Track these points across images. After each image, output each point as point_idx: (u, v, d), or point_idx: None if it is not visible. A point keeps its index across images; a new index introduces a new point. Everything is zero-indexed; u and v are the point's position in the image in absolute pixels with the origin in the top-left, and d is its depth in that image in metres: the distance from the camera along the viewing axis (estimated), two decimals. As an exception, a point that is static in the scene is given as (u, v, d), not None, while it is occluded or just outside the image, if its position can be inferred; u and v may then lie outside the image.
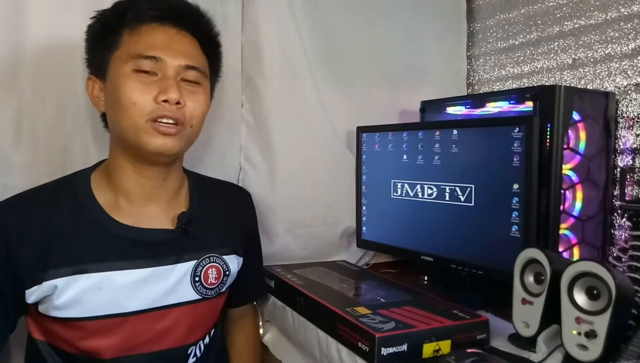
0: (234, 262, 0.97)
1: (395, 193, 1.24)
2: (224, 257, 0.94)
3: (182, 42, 0.85)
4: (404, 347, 0.78)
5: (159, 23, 0.84)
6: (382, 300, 0.96)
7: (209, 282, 0.91)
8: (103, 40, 0.84)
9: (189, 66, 0.84)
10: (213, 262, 0.92)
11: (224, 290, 0.96)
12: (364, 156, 1.32)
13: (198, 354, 0.92)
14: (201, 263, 0.91)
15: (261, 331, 1.19)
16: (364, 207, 1.34)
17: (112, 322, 0.83)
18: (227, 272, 0.95)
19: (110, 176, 0.88)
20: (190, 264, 0.90)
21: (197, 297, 0.90)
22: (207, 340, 0.95)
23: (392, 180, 1.24)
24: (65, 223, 0.82)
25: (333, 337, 0.88)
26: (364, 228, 1.34)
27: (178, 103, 0.81)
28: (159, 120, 0.80)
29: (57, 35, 1.02)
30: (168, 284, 0.87)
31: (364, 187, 1.33)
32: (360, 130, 1.32)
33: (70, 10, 1.02)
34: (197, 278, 0.90)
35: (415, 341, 0.79)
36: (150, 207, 0.88)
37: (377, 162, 1.29)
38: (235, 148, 1.27)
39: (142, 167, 0.86)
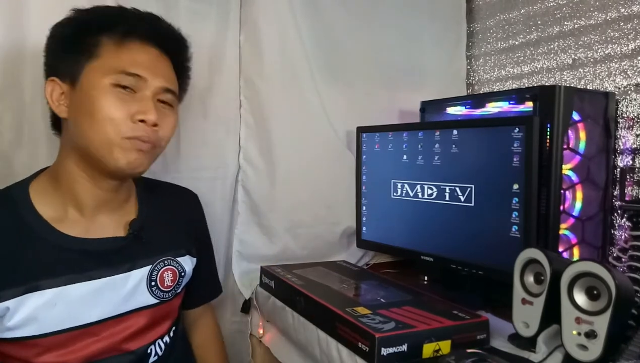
0: (188, 263, 0.96)
1: (395, 194, 1.24)
2: (178, 258, 0.94)
3: (162, 64, 0.86)
4: (404, 347, 0.78)
5: (144, 42, 0.84)
6: (382, 300, 0.96)
7: (165, 285, 0.91)
8: (78, 44, 0.81)
9: (167, 89, 0.85)
10: (168, 264, 0.92)
11: (180, 290, 0.96)
12: (364, 156, 1.32)
13: (159, 352, 0.92)
14: (156, 268, 0.90)
15: (261, 331, 1.20)
16: (364, 207, 1.34)
17: (69, 335, 0.81)
18: (182, 274, 0.94)
19: (58, 185, 0.84)
20: (145, 270, 0.89)
21: (155, 300, 0.90)
22: (167, 338, 0.94)
23: (392, 180, 1.24)
24: (7, 241, 0.79)
25: (333, 337, 0.88)
26: (364, 228, 1.34)
27: (155, 125, 0.81)
28: (134, 139, 0.80)
29: None
30: (124, 292, 0.86)
31: (364, 187, 1.33)
32: (361, 130, 1.32)
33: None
34: (153, 283, 0.89)
35: (415, 341, 0.79)
36: (100, 217, 0.87)
37: (377, 162, 1.29)
38: (234, 148, 1.26)
39: (98, 178, 0.84)
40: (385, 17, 1.42)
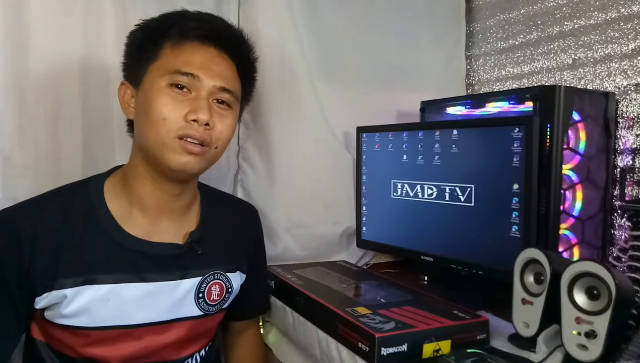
0: (237, 280, 0.97)
1: (395, 194, 1.24)
2: (228, 274, 0.95)
3: (220, 64, 0.86)
4: (404, 347, 0.78)
5: (201, 42, 0.84)
6: (382, 300, 0.96)
7: (211, 298, 0.92)
8: (143, 49, 0.84)
9: (223, 88, 0.85)
10: (217, 279, 0.93)
11: (225, 306, 0.96)
12: (364, 156, 1.32)
13: None
14: (206, 280, 0.91)
15: (261, 331, 1.19)
16: (364, 207, 1.34)
17: (116, 333, 0.83)
18: (229, 290, 0.95)
19: (126, 184, 0.87)
20: (196, 280, 0.90)
21: (200, 313, 0.91)
22: (203, 352, 0.96)
23: (392, 180, 1.24)
24: (77, 231, 0.82)
25: (333, 337, 0.88)
26: (364, 228, 1.34)
27: (207, 124, 0.81)
28: (186, 138, 0.80)
29: (56, 45, 1.03)
30: (173, 299, 0.87)
31: (364, 187, 1.33)
32: (360, 130, 1.32)
33: (69, 24, 1.04)
34: (200, 295, 0.90)
35: (415, 341, 0.79)
36: (162, 220, 0.88)
37: (377, 162, 1.29)
38: (232, 148, 1.26)
39: (160, 180, 0.86)
40: (384, 17, 1.42)
